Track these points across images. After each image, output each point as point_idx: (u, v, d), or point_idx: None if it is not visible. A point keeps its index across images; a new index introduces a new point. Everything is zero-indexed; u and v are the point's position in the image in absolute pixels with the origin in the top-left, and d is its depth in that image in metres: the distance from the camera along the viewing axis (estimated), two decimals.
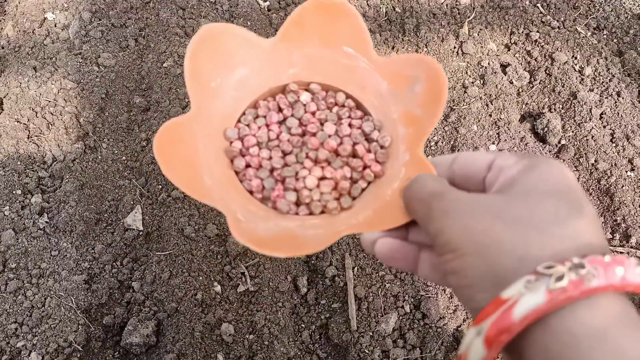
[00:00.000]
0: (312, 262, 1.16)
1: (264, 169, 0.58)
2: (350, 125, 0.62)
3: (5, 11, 1.50)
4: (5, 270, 1.09)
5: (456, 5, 1.53)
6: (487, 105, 1.34)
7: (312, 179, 0.56)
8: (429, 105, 0.56)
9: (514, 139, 1.29)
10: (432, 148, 1.31)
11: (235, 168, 0.58)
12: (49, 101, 1.32)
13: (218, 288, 1.10)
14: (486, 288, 0.34)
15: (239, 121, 0.63)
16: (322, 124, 0.62)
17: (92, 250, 1.15)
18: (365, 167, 0.56)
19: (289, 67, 0.65)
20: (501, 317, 0.32)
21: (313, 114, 0.63)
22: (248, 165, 0.59)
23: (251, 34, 0.61)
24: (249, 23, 1.49)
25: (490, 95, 1.35)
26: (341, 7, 0.62)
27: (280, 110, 0.63)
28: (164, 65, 1.37)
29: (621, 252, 1.17)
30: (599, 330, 0.30)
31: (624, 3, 1.58)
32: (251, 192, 0.56)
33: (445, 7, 1.53)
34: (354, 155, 0.58)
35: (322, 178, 0.56)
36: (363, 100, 0.63)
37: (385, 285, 1.12)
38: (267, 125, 0.62)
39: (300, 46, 0.65)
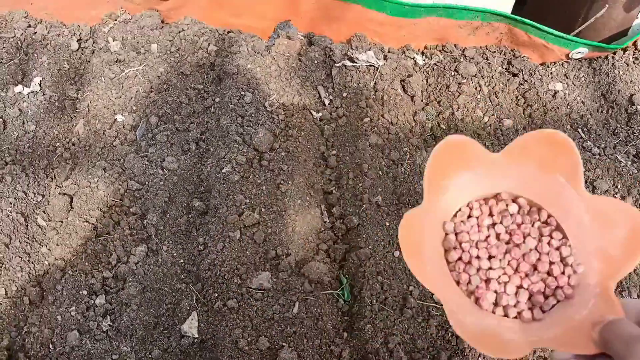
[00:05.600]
0: None
1: (472, 266, 0.68)
2: (549, 244, 0.71)
3: (77, 109, 1.61)
4: None
5: (499, 126, 1.62)
6: None
7: (512, 287, 0.65)
8: (627, 250, 0.64)
9: None
10: None
11: (450, 258, 0.69)
12: (116, 201, 1.40)
13: None
14: None
15: (454, 215, 0.73)
16: (524, 237, 0.71)
17: (150, 356, 1.20)
18: (558, 286, 0.65)
19: (505, 180, 0.75)
20: None
21: (518, 225, 0.73)
22: (459, 259, 0.69)
23: (481, 146, 0.73)
24: (302, 133, 1.58)
25: None
26: (563, 141, 0.71)
27: (491, 214, 0.74)
28: (223, 170, 1.46)
29: None
30: None
31: None
32: (457, 282, 0.66)
33: (489, 127, 1.62)
34: (549, 273, 0.66)
35: (520, 287, 0.66)
36: (564, 225, 0.72)
37: None
38: (479, 226, 0.73)
39: (518, 164, 0.74)
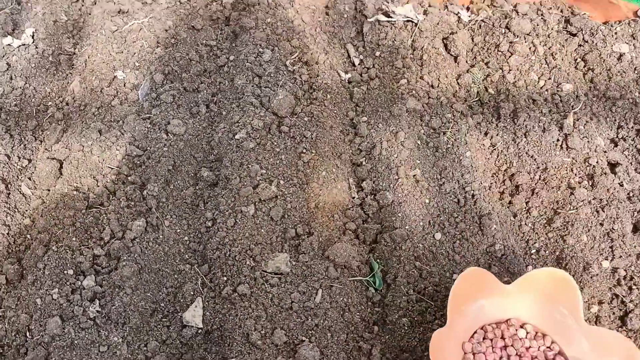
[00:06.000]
0: None
1: None
2: None
3: (73, 65, 1.43)
4: None
5: (558, 91, 1.39)
6: (597, 211, 1.18)
7: None
8: None
9: (630, 255, 1.12)
10: (534, 257, 1.15)
11: None
12: (112, 169, 1.21)
13: None
14: None
15: (472, 337, 0.90)
16: (532, 359, 0.88)
17: (145, 348, 1.01)
18: None
19: (515, 308, 0.92)
20: None
21: (527, 349, 0.89)
22: None
23: (495, 278, 0.91)
24: (328, 96, 1.37)
25: (601, 200, 1.19)
26: (566, 278, 0.91)
27: (503, 337, 0.90)
28: (236, 137, 1.26)
29: None
30: None
31: None
32: None
33: (545, 92, 1.39)
34: None
35: None
36: (566, 351, 0.88)
37: None
38: (493, 347, 0.89)
39: (527, 295, 0.92)
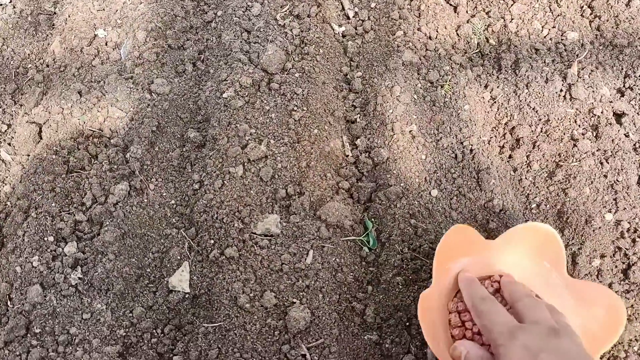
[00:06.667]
0: (386, 346, 0.96)
1: (475, 341, 0.79)
2: None
3: (54, 25, 1.37)
4: (29, 335, 0.93)
5: (562, 40, 1.31)
6: (601, 163, 1.12)
7: None
8: (606, 327, 0.78)
9: (634, 207, 1.07)
10: (534, 211, 1.10)
11: (455, 335, 0.81)
12: (93, 131, 1.16)
13: None
14: None
15: (455, 295, 0.87)
16: None
17: (130, 314, 0.98)
18: None
19: (497, 264, 0.90)
20: None
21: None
22: (463, 335, 0.81)
23: (479, 234, 0.89)
24: (321, 50, 1.31)
25: (605, 151, 1.13)
26: (550, 232, 0.89)
27: None
28: (224, 95, 1.20)
29: None
30: None
31: None
32: None
33: (549, 41, 1.31)
34: None
35: None
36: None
37: None
38: None
39: (510, 252, 0.90)
